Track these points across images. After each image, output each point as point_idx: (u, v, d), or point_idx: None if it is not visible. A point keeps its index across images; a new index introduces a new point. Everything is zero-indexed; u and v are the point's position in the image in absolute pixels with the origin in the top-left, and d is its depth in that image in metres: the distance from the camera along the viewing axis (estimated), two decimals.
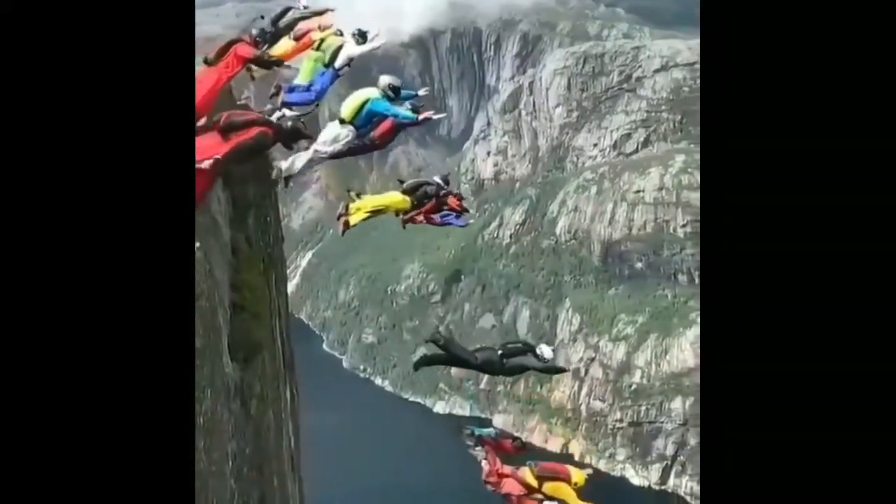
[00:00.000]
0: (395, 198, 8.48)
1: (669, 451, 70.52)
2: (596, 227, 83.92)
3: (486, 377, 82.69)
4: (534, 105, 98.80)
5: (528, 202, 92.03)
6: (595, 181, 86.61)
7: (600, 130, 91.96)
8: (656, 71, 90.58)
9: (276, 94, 8.29)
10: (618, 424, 73.02)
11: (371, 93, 7.69)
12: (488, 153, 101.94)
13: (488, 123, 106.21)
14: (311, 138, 7.26)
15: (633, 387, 73.57)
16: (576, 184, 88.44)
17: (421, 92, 8.83)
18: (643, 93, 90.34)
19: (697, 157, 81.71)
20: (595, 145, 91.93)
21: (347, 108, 7.67)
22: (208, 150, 5.75)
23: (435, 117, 8.15)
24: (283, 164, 7.66)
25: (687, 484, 69.30)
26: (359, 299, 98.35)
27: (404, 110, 7.77)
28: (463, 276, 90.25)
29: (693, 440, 70.09)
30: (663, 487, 69.85)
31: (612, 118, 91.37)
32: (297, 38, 8.27)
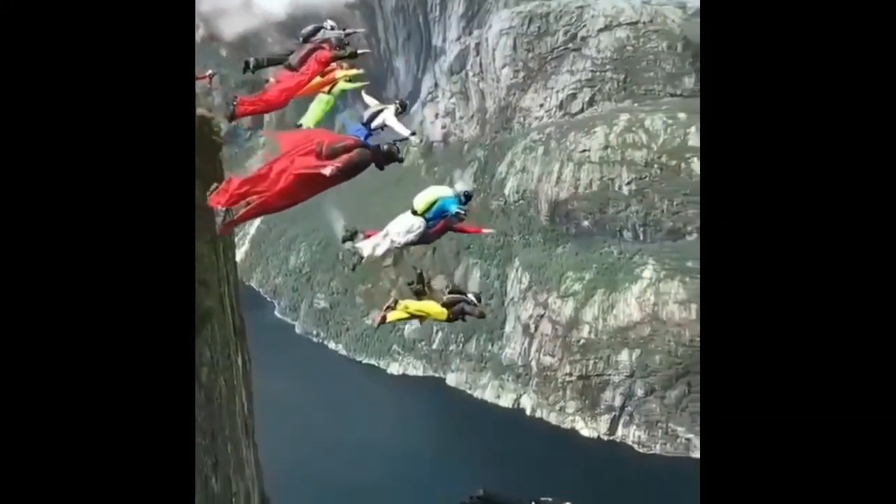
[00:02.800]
0: (435, 308, 9.15)
1: (617, 402, 73.19)
2: (543, 187, 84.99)
3: (438, 337, 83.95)
4: (481, 66, 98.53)
5: (477, 164, 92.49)
6: (542, 142, 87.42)
7: (546, 91, 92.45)
8: (600, 30, 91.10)
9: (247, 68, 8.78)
10: (567, 378, 75.27)
11: (445, 192, 8.30)
12: (436, 115, 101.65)
13: (436, 85, 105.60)
14: (402, 161, 8.04)
15: (582, 341, 75.75)
16: (523, 145, 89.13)
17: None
18: (588, 52, 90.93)
19: (641, 115, 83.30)
20: (541, 106, 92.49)
21: (421, 201, 8.24)
22: (309, 165, 6.75)
23: (485, 231, 9.00)
24: (366, 252, 8.24)
25: (634, 433, 72.22)
26: (310, 265, 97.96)
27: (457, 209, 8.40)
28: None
29: (639, 391, 72.86)
30: (612, 437, 72.61)
31: (557, 78, 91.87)
32: (323, 75, 8.74)
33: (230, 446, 10.81)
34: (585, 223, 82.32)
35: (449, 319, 9.26)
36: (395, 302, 9.05)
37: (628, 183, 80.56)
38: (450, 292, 9.49)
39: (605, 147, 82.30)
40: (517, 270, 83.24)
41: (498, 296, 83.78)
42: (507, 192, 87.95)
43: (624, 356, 73.50)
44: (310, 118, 8.79)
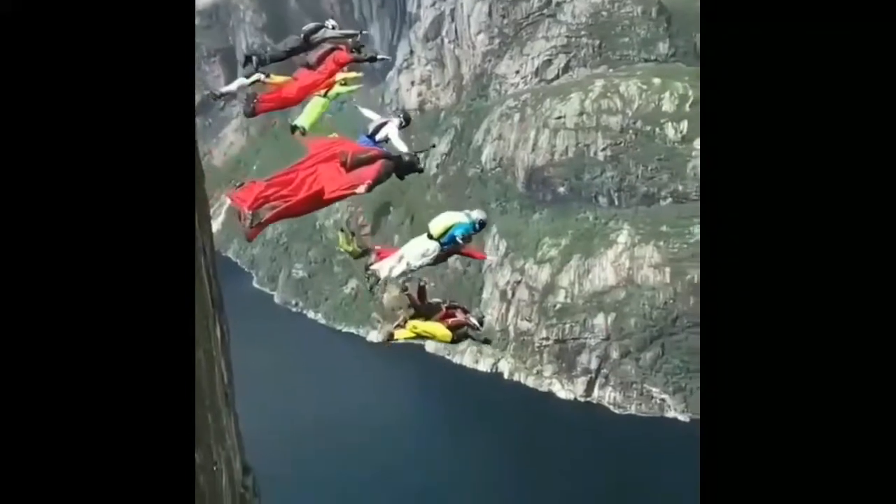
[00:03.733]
0: (441, 330, 9.41)
1: (593, 364, 74.68)
2: (520, 154, 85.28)
3: None
4: (456, 32, 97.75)
5: (454, 131, 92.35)
6: (518, 108, 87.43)
7: (522, 57, 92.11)
8: None
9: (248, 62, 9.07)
10: (544, 342, 76.55)
11: (460, 219, 8.64)
12: (412, 83, 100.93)
13: (411, 52, 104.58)
14: (423, 171, 8.38)
15: (558, 306, 76.90)
16: (499, 112, 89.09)
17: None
18: (563, 18, 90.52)
19: (616, 81, 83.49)
20: (517, 72, 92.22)
21: (437, 226, 8.58)
22: (336, 178, 7.11)
23: (489, 258, 9.21)
24: (382, 273, 8.51)
25: (610, 394, 73.88)
26: (287, 235, 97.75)
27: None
28: (392, 208, 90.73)
29: (615, 353, 74.37)
30: (588, 399, 74.20)
31: (532, 44, 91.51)
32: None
33: (210, 416, 11.17)
34: (561, 190, 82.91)
35: (453, 341, 9.60)
36: (405, 321, 9.37)
37: (603, 149, 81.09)
38: (447, 307, 9.72)
39: (581, 113, 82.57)
40: (494, 237, 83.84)
41: (476, 263, 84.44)
42: (483, 159, 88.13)
43: (599, 320, 74.82)
44: (305, 120, 8.95)
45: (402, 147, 8.72)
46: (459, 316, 9.70)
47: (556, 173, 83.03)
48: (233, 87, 9.22)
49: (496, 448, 65.45)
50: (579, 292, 76.48)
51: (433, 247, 8.51)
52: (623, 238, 76.84)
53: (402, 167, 7.85)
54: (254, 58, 8.95)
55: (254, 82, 9.13)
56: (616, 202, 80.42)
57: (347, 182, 7.36)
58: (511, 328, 79.21)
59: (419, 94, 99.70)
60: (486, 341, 10.20)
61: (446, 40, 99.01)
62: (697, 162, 79.31)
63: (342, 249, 10.98)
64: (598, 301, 75.43)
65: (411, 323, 9.36)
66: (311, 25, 9.22)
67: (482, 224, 8.85)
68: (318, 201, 7.60)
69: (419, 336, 9.50)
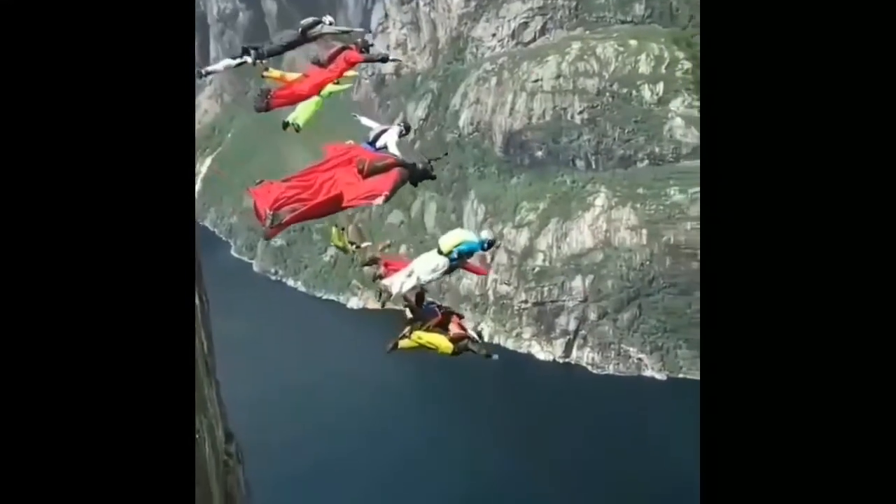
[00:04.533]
0: (443, 342, 9.64)
1: (571, 326, 75.74)
2: (497, 118, 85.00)
3: None
4: None
5: (431, 96, 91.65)
6: (495, 72, 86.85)
7: (498, 20, 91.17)
8: None
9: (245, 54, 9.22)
10: (523, 305, 77.37)
11: (470, 237, 8.78)
12: (388, 47, 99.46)
13: (386, 16, 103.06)
14: (435, 178, 8.57)
15: (536, 269, 77.61)
16: (476, 75, 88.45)
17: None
18: None
19: (593, 43, 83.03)
20: (493, 35, 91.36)
21: (447, 243, 8.67)
22: (354, 185, 7.38)
23: (492, 276, 9.38)
24: (394, 289, 8.54)
25: (588, 355, 75.11)
26: None
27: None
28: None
29: (593, 315, 75.40)
30: (567, 360, 75.41)
31: (508, 7, 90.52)
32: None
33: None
34: (539, 153, 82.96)
35: (454, 353, 9.84)
36: (410, 331, 9.63)
37: (580, 112, 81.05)
38: (443, 313, 9.93)
39: (558, 76, 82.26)
40: (473, 203, 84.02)
41: (455, 228, 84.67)
42: (461, 124, 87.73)
43: (577, 282, 75.67)
44: (300, 117, 9.10)
45: (399, 156, 8.95)
46: (455, 327, 9.93)
47: (533, 137, 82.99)
48: (219, 66, 9.37)
49: (477, 412, 66.46)
50: (557, 255, 77.14)
51: (442, 262, 8.68)
52: (600, 201, 77.34)
53: (417, 175, 8.09)
54: (252, 51, 9.07)
55: (239, 64, 9.24)
56: (593, 165, 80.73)
57: (366, 190, 7.60)
58: (490, 292, 79.87)
59: (395, 59, 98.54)
60: (488, 356, 10.43)
61: (422, 3, 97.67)
62: (673, 124, 79.71)
63: (333, 245, 11.30)
64: (575, 264, 76.19)
65: (416, 334, 9.65)
66: (309, 20, 9.37)
67: (490, 244, 9.09)
68: (336, 206, 7.82)
69: (422, 346, 9.80)
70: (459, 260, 8.81)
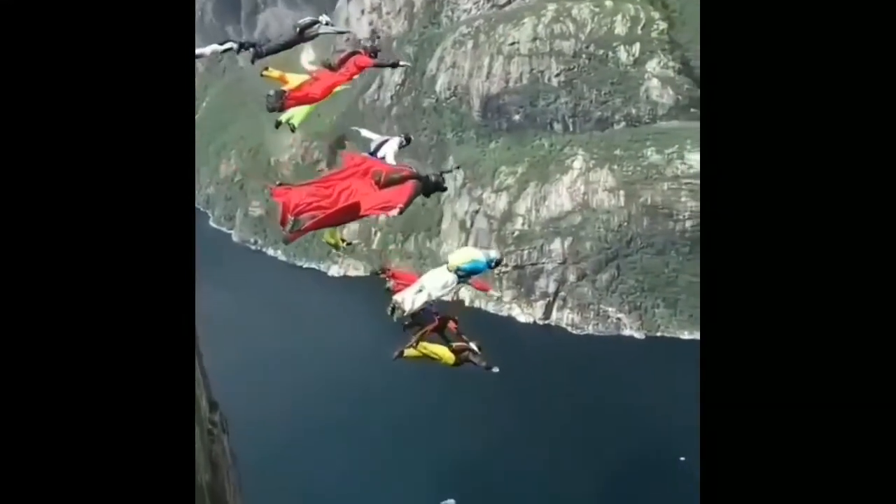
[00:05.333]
0: (447, 354, 10.22)
1: (551, 288, 76.45)
2: (474, 83, 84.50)
3: (377, 237, 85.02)
4: None
5: (407, 61, 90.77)
6: (471, 35, 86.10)
7: None
8: None
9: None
10: (503, 269, 77.75)
11: (479, 256, 9.07)
12: (362, 11, 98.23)
13: None
14: (447, 190, 9.02)
15: (516, 233, 78.00)
16: (452, 39, 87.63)
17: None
18: None
19: (568, 4, 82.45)
20: None
21: (456, 260, 8.94)
22: (370, 195, 7.79)
23: (491, 292, 9.50)
24: (406, 305, 8.80)
25: (568, 316, 75.97)
26: (242, 172, 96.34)
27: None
28: (346, 142, 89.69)
29: (572, 276, 76.10)
30: (547, 321, 76.25)
31: None
32: (317, 78, 9.34)
33: None
34: (517, 117, 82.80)
35: (456, 364, 10.37)
36: (417, 342, 10.11)
37: (557, 74, 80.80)
38: (439, 318, 10.35)
39: (534, 39, 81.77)
40: (452, 169, 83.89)
41: (434, 194, 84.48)
42: (438, 89, 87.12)
43: (556, 245, 76.22)
44: (295, 117, 9.31)
45: (392, 161, 9.31)
46: (456, 336, 10.42)
47: (511, 101, 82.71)
48: (206, 50, 9.49)
49: (459, 376, 66.99)
50: (536, 219, 77.51)
51: (452, 279, 8.94)
52: (578, 163, 77.55)
53: (429, 187, 8.43)
54: (251, 49, 9.27)
55: (226, 51, 9.46)
56: (570, 128, 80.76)
57: (382, 201, 7.95)
58: None
59: (370, 23, 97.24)
60: (488, 368, 10.72)
61: None
62: (650, 84, 79.77)
63: (325, 241, 11.83)
64: (554, 226, 76.64)
65: (421, 344, 10.15)
66: (306, 20, 9.58)
67: (497, 262, 9.38)
68: (353, 214, 8.17)
69: (426, 357, 10.28)
70: (467, 277, 9.16)
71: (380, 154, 9.20)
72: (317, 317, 75.72)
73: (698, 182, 74.50)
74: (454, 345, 10.29)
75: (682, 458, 56.32)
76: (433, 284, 8.85)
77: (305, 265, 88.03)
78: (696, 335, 72.76)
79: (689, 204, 74.13)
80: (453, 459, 56.39)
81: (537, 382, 65.16)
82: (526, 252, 77.08)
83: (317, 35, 9.58)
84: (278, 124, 9.38)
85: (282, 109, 9.00)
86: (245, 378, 56.96)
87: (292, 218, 7.95)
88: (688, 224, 73.98)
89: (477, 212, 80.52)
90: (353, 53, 9.21)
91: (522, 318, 76.67)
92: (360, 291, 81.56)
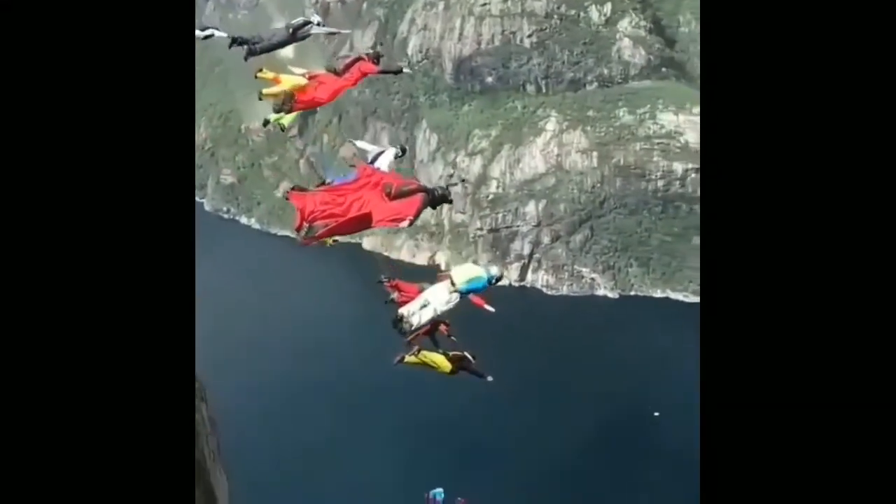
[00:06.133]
0: (444, 362, 10.68)
1: (526, 250, 77.09)
2: (446, 45, 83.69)
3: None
4: None
5: (377, 24, 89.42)
6: None
7: None
8: None
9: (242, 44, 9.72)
10: (478, 233, 78.24)
11: (481, 273, 9.32)
12: None
13: None
14: (452, 202, 9.23)
15: (490, 197, 78.20)
16: (423, 1, 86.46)
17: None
18: None
19: None
20: None
21: (460, 277, 9.17)
22: (381, 206, 8.21)
23: (487, 307, 10.39)
24: (414, 320, 9.13)
25: (543, 277, 76.80)
26: (212, 140, 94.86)
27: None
28: (318, 108, 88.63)
29: (546, 238, 76.73)
30: (522, 283, 77.00)
31: None
32: (311, 78, 9.60)
33: None
34: (489, 79, 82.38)
35: (452, 372, 10.87)
36: (418, 351, 10.58)
37: (529, 35, 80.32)
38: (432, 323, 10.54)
39: None
40: (425, 132, 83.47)
41: (407, 159, 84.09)
42: (409, 52, 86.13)
43: (531, 207, 76.63)
44: (285, 118, 9.54)
45: (388, 165, 9.67)
46: (446, 339, 10.92)
47: (483, 63, 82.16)
48: None
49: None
50: (510, 181, 77.71)
51: (455, 296, 9.26)
52: (551, 125, 77.62)
53: (437, 199, 8.75)
54: (245, 46, 9.51)
55: (207, 37, 9.57)
56: (543, 89, 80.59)
57: (393, 212, 8.37)
58: (446, 221, 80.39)
59: None
60: (481, 376, 11.29)
61: None
62: (621, 45, 79.71)
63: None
64: (528, 189, 76.95)
65: (422, 353, 10.68)
66: (298, 20, 9.86)
67: (497, 279, 9.70)
68: (366, 224, 8.56)
69: (425, 364, 10.75)
70: (469, 293, 9.52)
71: (376, 165, 9.58)
72: (292, 283, 75.56)
73: (670, 142, 75.48)
74: (451, 354, 10.86)
75: (656, 414, 57.80)
76: (438, 300, 9.25)
77: (280, 233, 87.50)
78: (668, 293, 74.13)
79: (661, 164, 74.80)
80: (433, 418, 57.20)
81: (514, 343, 66.03)
82: (500, 215, 77.43)
83: (308, 35, 9.90)
84: (266, 123, 9.69)
85: (290, 111, 9.34)
86: (221, 345, 56.90)
87: (307, 224, 8.38)
88: (660, 184, 74.73)
89: (451, 176, 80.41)
90: (358, 59, 9.61)
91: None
92: (335, 258, 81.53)
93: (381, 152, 9.67)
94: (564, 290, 75.91)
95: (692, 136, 75.14)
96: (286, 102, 9.19)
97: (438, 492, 15.47)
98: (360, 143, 10.51)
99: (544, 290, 76.16)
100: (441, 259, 79.52)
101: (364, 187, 8.48)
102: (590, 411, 58.79)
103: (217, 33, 9.57)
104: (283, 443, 55.13)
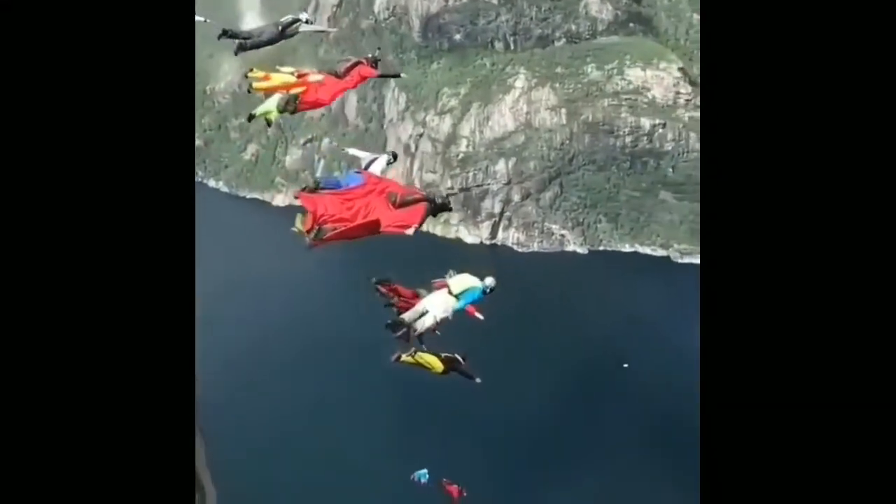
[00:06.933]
0: (437, 363, 11.19)
1: (496, 209, 77.57)
2: (413, 2, 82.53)
3: (321, 164, 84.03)
4: None
5: None
6: None
7: None
8: None
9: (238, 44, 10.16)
10: (449, 192, 78.28)
11: (476, 284, 9.98)
12: None
13: None
14: (452, 209, 9.72)
15: (461, 156, 78.22)
16: None
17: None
18: None
19: None
20: None
21: (458, 287, 9.89)
22: (387, 214, 8.59)
23: (477, 315, 10.50)
24: (418, 325, 9.76)
25: (514, 235, 77.51)
26: None
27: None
28: (282, 66, 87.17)
29: (516, 196, 77.20)
30: (493, 241, 77.68)
31: None
32: (299, 77, 9.98)
33: None
34: (457, 37, 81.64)
35: (444, 373, 11.36)
36: (414, 352, 10.96)
37: None
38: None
39: None
40: (394, 91, 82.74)
41: (377, 118, 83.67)
42: (376, 9, 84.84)
43: (501, 165, 76.88)
44: (272, 112, 9.91)
45: (379, 170, 10.13)
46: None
47: (451, 20, 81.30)
48: None
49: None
50: (480, 140, 77.71)
51: (453, 303, 9.89)
52: (520, 82, 77.46)
53: (438, 207, 9.16)
54: (236, 41, 9.93)
55: (202, 21, 9.94)
56: (512, 46, 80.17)
57: (399, 220, 8.80)
58: (416, 181, 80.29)
59: None
60: (470, 377, 11.74)
61: None
62: (589, 0, 79.32)
63: (298, 230, 12.21)
64: (498, 147, 77.07)
65: (419, 354, 11.16)
66: (288, 18, 10.25)
67: (492, 290, 10.19)
68: (373, 230, 8.91)
69: (420, 364, 11.23)
70: (466, 304, 10.11)
71: (370, 170, 9.99)
72: (263, 247, 75.14)
73: (637, 98, 75.91)
74: (443, 355, 11.39)
75: (625, 365, 59.39)
76: (438, 308, 9.94)
77: (249, 196, 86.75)
78: (637, 248, 75.42)
79: (629, 119, 75.32)
80: (410, 378, 57.83)
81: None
82: (471, 174, 77.60)
83: (297, 33, 10.31)
84: (251, 118, 10.15)
85: (293, 112, 9.81)
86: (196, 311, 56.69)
87: (316, 227, 8.77)
88: (627, 140, 75.37)
89: (421, 135, 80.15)
90: (358, 63, 10.03)
91: (470, 239, 77.89)
92: None
93: (374, 159, 10.17)
94: (535, 247, 76.77)
95: (659, 92, 75.66)
96: (290, 103, 9.58)
97: (422, 473, 16.20)
98: (352, 151, 11.12)
99: (515, 247, 76.95)
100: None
101: (370, 194, 8.92)
102: (561, 364, 60.12)
103: (210, 21, 9.92)
104: (263, 410, 55.41)
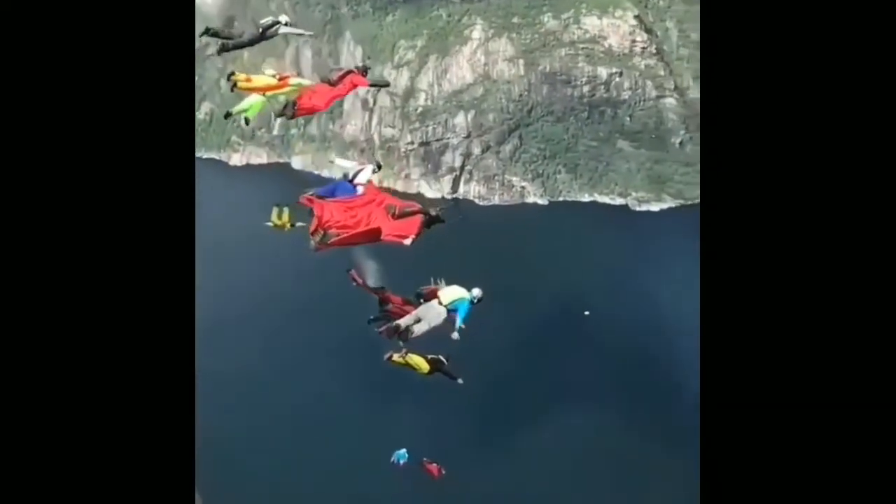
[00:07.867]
0: (424, 364, 11.86)
1: (457, 162, 77.53)
2: None
3: (278, 122, 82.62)
4: None
5: None
6: None
7: None
8: None
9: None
10: (409, 147, 77.98)
11: (465, 295, 10.69)
12: None
13: None
14: (445, 222, 10.24)
15: (419, 110, 77.60)
16: None
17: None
18: None
19: None
20: None
21: (448, 298, 10.57)
22: (387, 223, 9.10)
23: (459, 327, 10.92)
24: (416, 328, 10.32)
25: (474, 188, 77.74)
26: None
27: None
28: (236, 23, 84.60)
29: (476, 150, 77.21)
30: (455, 195, 77.84)
31: None
32: (280, 79, 10.51)
33: None
34: None
35: (429, 373, 12.13)
36: (405, 353, 11.67)
37: None
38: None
39: None
40: (349, 45, 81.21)
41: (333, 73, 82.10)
42: None
43: (460, 118, 76.59)
44: (250, 111, 10.54)
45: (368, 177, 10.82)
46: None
47: None
48: None
49: (371, 252, 67.93)
50: (439, 93, 77.12)
51: (444, 312, 10.66)
52: (477, 34, 76.69)
53: (432, 220, 9.89)
54: (219, 42, 10.44)
55: None
56: None
57: (398, 229, 9.50)
58: (376, 136, 79.70)
59: None
60: (453, 378, 12.56)
61: None
62: None
63: (273, 224, 13.15)
64: (457, 100, 76.63)
65: (409, 356, 11.93)
66: (268, 20, 10.63)
67: (479, 300, 10.93)
68: (374, 237, 9.63)
69: (408, 365, 12.00)
70: (455, 313, 10.81)
71: (356, 181, 10.63)
72: (221, 206, 74.07)
73: (594, 47, 75.91)
74: (429, 357, 12.23)
75: (587, 313, 60.83)
76: (430, 317, 10.75)
77: (205, 156, 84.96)
78: (596, 197, 76.45)
79: (586, 69, 75.42)
80: (375, 338, 58.06)
81: (449, 256, 67.21)
82: (430, 128, 77.19)
83: (277, 34, 10.79)
84: (228, 115, 10.83)
85: (291, 117, 10.39)
86: None
87: (322, 231, 9.41)
88: (585, 89, 75.60)
89: (378, 90, 79.05)
90: (350, 72, 10.61)
91: (431, 194, 77.85)
92: (265, 177, 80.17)
93: (361, 169, 10.83)
94: (496, 200, 77.20)
95: (615, 40, 75.73)
96: (288, 109, 10.13)
97: (401, 454, 16.93)
98: (339, 162, 11.89)
99: (476, 200, 77.25)
100: (374, 176, 79.05)
101: (371, 204, 9.68)
102: (524, 315, 61.20)
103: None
104: (249, 373, 55.39)
